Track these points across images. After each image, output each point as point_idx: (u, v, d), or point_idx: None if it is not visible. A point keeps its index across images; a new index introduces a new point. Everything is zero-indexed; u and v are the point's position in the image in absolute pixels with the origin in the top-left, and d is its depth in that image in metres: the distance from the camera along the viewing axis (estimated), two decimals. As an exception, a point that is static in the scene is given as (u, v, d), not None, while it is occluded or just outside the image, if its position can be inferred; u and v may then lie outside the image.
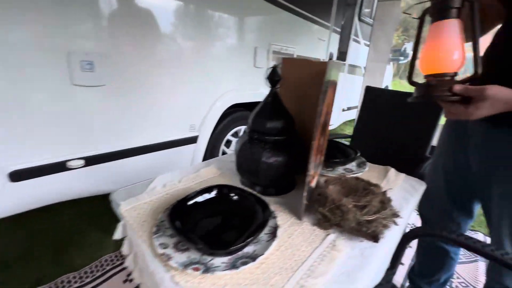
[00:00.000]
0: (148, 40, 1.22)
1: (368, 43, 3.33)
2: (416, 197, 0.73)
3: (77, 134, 1.09)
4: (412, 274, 1.02)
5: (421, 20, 0.56)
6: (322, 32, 2.47)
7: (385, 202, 0.58)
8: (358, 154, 0.88)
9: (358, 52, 3.30)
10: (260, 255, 0.45)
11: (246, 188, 0.65)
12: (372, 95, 1.45)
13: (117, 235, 0.57)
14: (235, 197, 0.59)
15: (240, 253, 0.46)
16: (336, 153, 0.93)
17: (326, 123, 0.64)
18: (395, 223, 0.55)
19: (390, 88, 4.99)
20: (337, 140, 1.07)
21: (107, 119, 1.17)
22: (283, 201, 0.65)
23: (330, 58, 2.65)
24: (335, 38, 2.72)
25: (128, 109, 1.23)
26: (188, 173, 0.77)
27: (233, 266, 0.43)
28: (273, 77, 0.64)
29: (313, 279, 0.43)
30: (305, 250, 0.50)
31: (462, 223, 0.86)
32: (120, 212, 0.57)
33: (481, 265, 1.36)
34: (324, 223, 0.56)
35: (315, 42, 2.44)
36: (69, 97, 1.03)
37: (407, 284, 1.09)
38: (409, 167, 1.23)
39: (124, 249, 0.58)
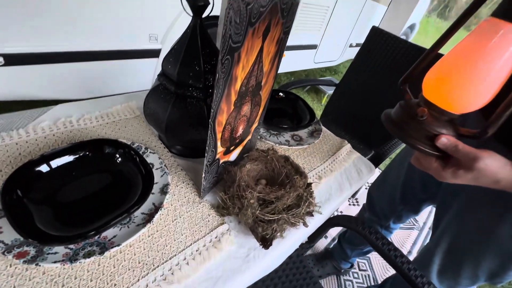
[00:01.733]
0: None
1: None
2: (355, 187, 0.64)
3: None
4: (341, 236, 1.06)
5: None
6: None
7: (303, 198, 0.48)
8: (315, 121, 0.74)
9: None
10: (116, 246, 0.37)
11: (144, 147, 0.53)
12: (377, 40, 1.17)
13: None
14: (120, 159, 0.47)
15: (92, 240, 0.38)
16: (291, 113, 0.78)
17: (264, 86, 0.47)
18: (305, 224, 0.48)
19: (417, 27, 4.24)
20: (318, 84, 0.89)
21: (36, 11, 0.91)
22: (199, 168, 0.55)
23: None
24: None
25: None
26: (97, 107, 0.62)
27: (70, 258, 0.35)
28: (196, 1, 0.42)
29: (167, 284, 0.37)
30: (183, 241, 0.42)
31: (404, 216, 0.82)
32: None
33: (414, 233, 1.45)
34: (222, 209, 0.47)
35: None
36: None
37: (334, 243, 1.16)
38: (383, 135, 1.11)
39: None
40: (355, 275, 1.18)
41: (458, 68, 0.33)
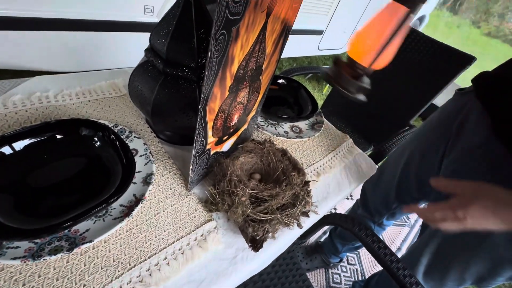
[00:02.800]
0: None
1: None
2: (354, 186, 0.61)
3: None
4: (333, 231, 1.05)
5: None
6: None
7: (299, 197, 0.44)
8: (317, 112, 0.69)
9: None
10: (87, 242, 0.33)
11: (126, 130, 0.48)
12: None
13: None
14: (98, 143, 0.42)
15: (61, 233, 0.34)
16: (292, 102, 0.73)
17: (265, 70, 0.41)
18: (299, 225, 0.44)
19: (427, 19, 4.08)
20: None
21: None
22: (189, 156, 0.50)
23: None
24: None
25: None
26: (79, 82, 0.56)
27: (33, 255, 0.31)
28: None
29: (142, 286, 0.33)
30: (165, 238, 0.38)
31: (397, 214, 0.80)
32: None
33: (405, 230, 1.45)
34: (211, 205, 0.43)
35: None
36: None
37: (325, 236, 1.14)
38: (385, 128, 1.08)
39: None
40: (343, 269, 1.18)
41: (369, 35, 0.45)
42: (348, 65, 0.46)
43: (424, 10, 3.11)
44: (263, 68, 0.41)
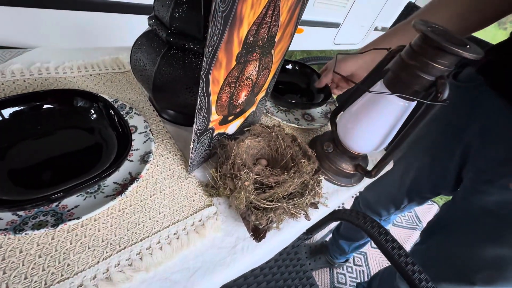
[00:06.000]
0: None
1: None
2: (368, 180, 0.56)
3: None
4: (335, 231, 1.00)
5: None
6: None
7: (308, 186, 0.40)
8: (330, 100, 0.64)
9: None
10: (75, 218, 0.30)
11: (122, 105, 0.44)
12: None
13: None
14: (94, 116, 0.39)
15: (48, 208, 0.31)
16: (304, 88, 0.68)
17: (279, 44, 0.37)
18: (307, 217, 0.40)
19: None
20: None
21: None
22: (191, 137, 0.47)
23: None
24: None
25: None
26: (82, 56, 0.54)
27: (15, 228, 0.28)
28: None
29: (132, 270, 0.30)
30: (160, 221, 0.35)
31: (406, 209, 0.75)
32: None
33: (416, 233, 1.39)
34: (212, 188, 0.40)
35: None
36: None
37: (330, 235, 1.10)
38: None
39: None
40: (349, 269, 1.14)
41: (354, 123, 0.44)
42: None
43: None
44: (275, 40, 0.37)
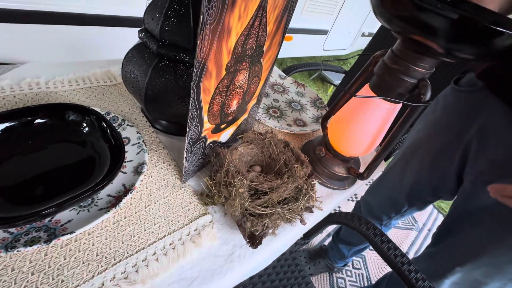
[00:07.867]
0: None
1: None
2: (360, 183, 0.57)
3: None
4: (335, 235, 1.00)
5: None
6: None
7: (302, 191, 0.41)
8: (323, 105, 0.65)
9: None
10: (68, 233, 0.30)
11: (117, 117, 0.45)
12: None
13: None
14: (86, 129, 0.39)
15: (41, 224, 0.31)
16: (296, 95, 0.69)
17: (267, 53, 0.38)
18: (302, 221, 0.40)
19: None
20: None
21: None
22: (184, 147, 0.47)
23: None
24: None
25: None
26: (72, 70, 0.54)
27: (7, 245, 0.28)
28: None
29: (128, 284, 0.30)
30: (155, 232, 0.35)
31: (407, 214, 0.75)
32: None
33: (413, 234, 1.40)
34: (207, 197, 0.40)
35: None
36: None
37: (329, 239, 1.10)
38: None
39: None
40: (348, 273, 1.13)
41: (343, 127, 0.45)
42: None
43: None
44: (264, 49, 0.38)
